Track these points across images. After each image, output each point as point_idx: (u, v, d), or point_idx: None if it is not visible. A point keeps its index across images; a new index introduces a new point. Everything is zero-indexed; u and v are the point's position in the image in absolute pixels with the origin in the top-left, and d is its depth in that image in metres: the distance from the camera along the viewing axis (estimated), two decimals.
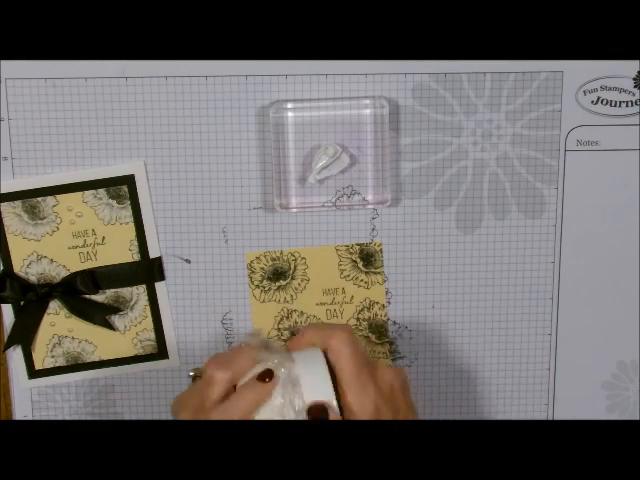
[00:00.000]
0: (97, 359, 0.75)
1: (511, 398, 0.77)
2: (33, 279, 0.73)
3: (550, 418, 0.77)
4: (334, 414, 0.57)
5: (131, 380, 0.75)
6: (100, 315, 0.73)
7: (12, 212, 0.72)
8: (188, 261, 0.74)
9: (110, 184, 0.72)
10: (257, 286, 0.74)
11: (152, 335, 0.75)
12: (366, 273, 0.74)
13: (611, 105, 0.72)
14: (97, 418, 0.76)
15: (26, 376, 0.75)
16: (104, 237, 0.73)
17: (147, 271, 0.73)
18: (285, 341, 0.74)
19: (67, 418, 0.76)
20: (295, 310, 0.74)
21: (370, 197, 0.72)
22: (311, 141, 0.72)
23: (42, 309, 0.74)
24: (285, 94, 0.71)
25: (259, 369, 0.59)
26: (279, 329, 0.75)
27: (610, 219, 0.74)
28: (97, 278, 0.73)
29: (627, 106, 0.72)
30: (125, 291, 0.74)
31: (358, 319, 0.75)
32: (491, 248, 0.74)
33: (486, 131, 0.72)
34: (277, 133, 0.71)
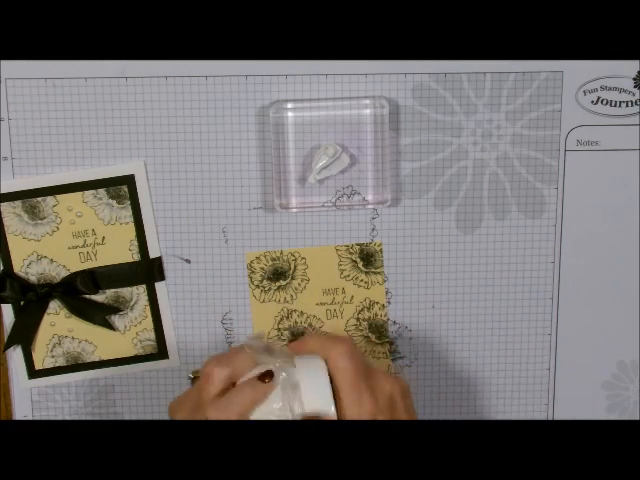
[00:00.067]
0: (97, 359, 0.75)
1: (511, 398, 0.77)
2: (33, 279, 0.73)
3: (550, 418, 0.77)
4: None
5: (131, 380, 0.75)
6: (100, 315, 0.73)
7: (12, 212, 0.72)
8: (188, 261, 0.74)
9: (110, 184, 0.72)
10: (257, 286, 0.74)
11: (152, 335, 0.75)
12: (366, 273, 0.74)
13: (611, 105, 0.72)
14: (97, 418, 0.76)
15: (26, 376, 0.75)
16: (104, 237, 0.73)
17: (147, 271, 0.73)
18: (285, 341, 0.74)
19: (67, 418, 0.76)
20: (295, 310, 0.74)
21: (370, 197, 0.72)
22: (311, 141, 0.71)
23: (42, 309, 0.74)
24: (285, 94, 0.71)
25: (260, 370, 0.60)
26: (279, 329, 0.75)
27: (610, 219, 0.74)
28: (97, 278, 0.73)
29: (627, 106, 0.72)
30: (125, 291, 0.74)
31: (358, 319, 0.75)
32: (491, 248, 0.74)
33: (486, 131, 0.72)
34: (277, 133, 0.71)
